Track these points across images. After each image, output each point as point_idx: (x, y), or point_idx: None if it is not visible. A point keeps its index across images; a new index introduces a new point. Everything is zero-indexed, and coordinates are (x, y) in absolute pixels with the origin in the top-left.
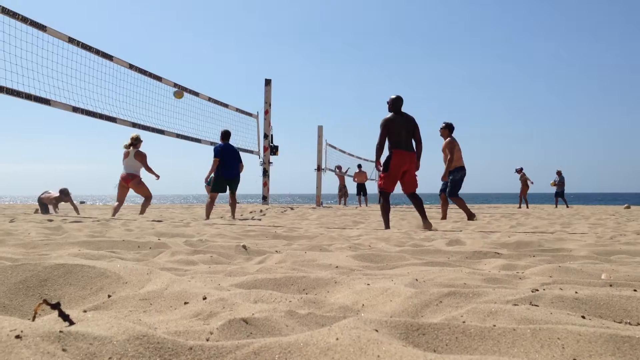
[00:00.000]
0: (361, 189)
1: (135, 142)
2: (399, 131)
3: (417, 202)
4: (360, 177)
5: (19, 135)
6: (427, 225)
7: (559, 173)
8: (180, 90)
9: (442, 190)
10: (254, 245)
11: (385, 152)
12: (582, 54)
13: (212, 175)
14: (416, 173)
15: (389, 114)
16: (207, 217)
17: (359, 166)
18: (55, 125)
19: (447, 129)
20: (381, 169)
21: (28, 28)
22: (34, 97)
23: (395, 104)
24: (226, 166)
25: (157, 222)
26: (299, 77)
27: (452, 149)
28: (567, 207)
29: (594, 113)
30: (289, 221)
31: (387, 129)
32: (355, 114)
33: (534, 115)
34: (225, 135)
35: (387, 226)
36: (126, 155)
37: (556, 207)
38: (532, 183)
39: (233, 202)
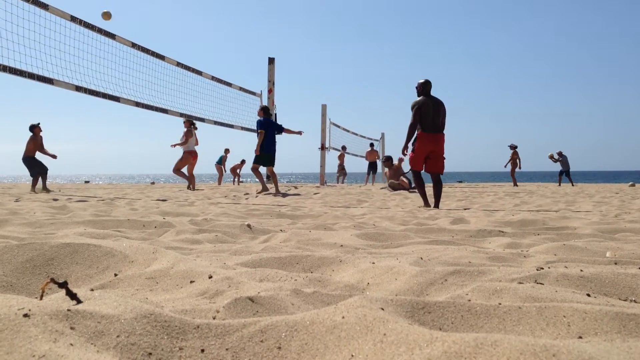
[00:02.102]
0: (372, 168)
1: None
2: (428, 113)
3: (438, 185)
4: (372, 156)
5: (19, 114)
6: (427, 206)
7: (559, 154)
8: (107, 12)
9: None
10: (258, 224)
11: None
12: (583, 28)
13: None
14: (444, 156)
15: (419, 97)
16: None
17: (371, 145)
18: (57, 105)
19: (390, 161)
20: (407, 152)
21: (30, 7)
22: (37, 76)
23: (425, 87)
24: (270, 141)
25: (162, 201)
26: (303, 56)
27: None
28: (572, 185)
29: (598, 90)
30: (293, 200)
31: (420, 111)
32: (360, 92)
33: (538, 93)
34: (267, 109)
35: (426, 203)
36: (193, 135)
37: (559, 185)
38: (505, 167)
39: (274, 176)
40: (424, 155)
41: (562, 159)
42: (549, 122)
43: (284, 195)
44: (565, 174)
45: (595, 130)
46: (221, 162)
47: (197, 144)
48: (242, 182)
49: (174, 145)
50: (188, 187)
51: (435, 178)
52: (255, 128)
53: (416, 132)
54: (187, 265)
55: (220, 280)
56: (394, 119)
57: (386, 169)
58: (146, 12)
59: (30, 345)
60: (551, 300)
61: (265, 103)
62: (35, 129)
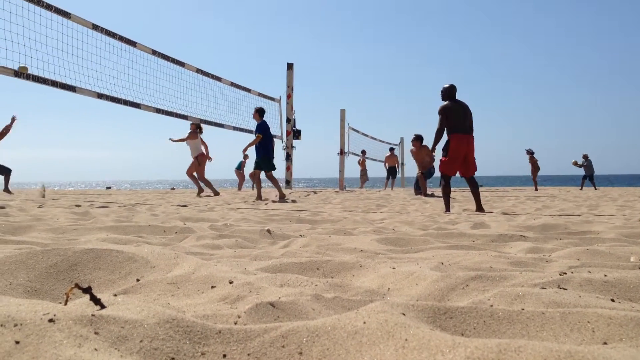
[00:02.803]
0: (391, 172)
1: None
2: (457, 116)
3: (475, 186)
4: (391, 161)
5: (40, 121)
6: (480, 210)
7: (585, 157)
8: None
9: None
10: (278, 229)
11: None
12: (600, 26)
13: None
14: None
15: (445, 102)
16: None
17: (391, 150)
18: (79, 112)
19: (419, 140)
20: (435, 155)
21: (52, 15)
22: (60, 84)
23: (450, 92)
24: (271, 145)
25: (182, 207)
26: (322, 61)
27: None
28: (595, 189)
29: (618, 89)
30: (312, 205)
31: (446, 115)
32: (378, 97)
33: (557, 94)
34: (262, 111)
35: (447, 209)
36: (199, 138)
37: (581, 189)
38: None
39: (275, 181)
40: (460, 160)
41: (586, 163)
42: (569, 124)
43: (286, 201)
44: (589, 179)
45: (616, 131)
46: (241, 167)
47: (205, 147)
48: (261, 187)
49: (173, 140)
50: (199, 194)
51: (471, 180)
52: (254, 131)
53: (447, 136)
54: (208, 271)
55: (241, 286)
56: (413, 124)
57: (413, 148)
58: (165, 17)
59: (55, 350)
60: (575, 305)
61: (284, 108)
62: None
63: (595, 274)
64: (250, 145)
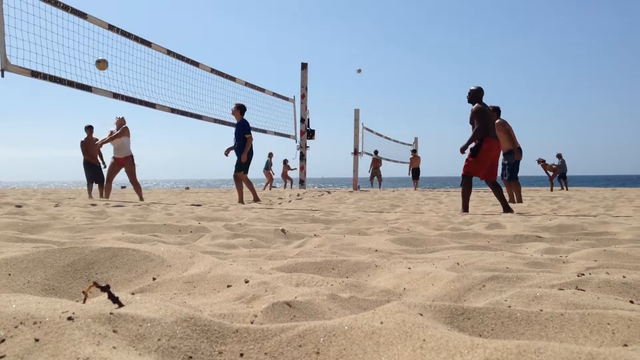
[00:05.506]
0: (415, 174)
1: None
2: (489, 120)
3: (497, 189)
4: (415, 162)
5: (56, 121)
6: (508, 211)
7: (559, 156)
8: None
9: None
10: (292, 229)
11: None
12: (607, 26)
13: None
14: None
15: (479, 104)
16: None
17: (414, 151)
18: (94, 112)
19: (496, 112)
20: (465, 152)
21: (69, 16)
22: (76, 84)
23: (480, 94)
24: (252, 146)
25: (197, 206)
26: (336, 60)
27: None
28: (566, 189)
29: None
30: (326, 205)
31: (486, 116)
32: (392, 97)
33: (573, 94)
34: (244, 108)
35: (465, 209)
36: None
37: (551, 190)
38: (552, 168)
39: (250, 184)
40: (487, 164)
41: (560, 162)
42: (585, 124)
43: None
44: (561, 177)
45: (633, 131)
46: (268, 167)
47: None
48: (273, 187)
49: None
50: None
51: (494, 184)
52: (237, 131)
53: (481, 138)
54: (223, 270)
55: (257, 285)
56: (427, 124)
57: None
58: (179, 18)
59: (74, 347)
60: (594, 307)
61: (298, 108)
62: None
63: (613, 275)
64: (247, 149)
